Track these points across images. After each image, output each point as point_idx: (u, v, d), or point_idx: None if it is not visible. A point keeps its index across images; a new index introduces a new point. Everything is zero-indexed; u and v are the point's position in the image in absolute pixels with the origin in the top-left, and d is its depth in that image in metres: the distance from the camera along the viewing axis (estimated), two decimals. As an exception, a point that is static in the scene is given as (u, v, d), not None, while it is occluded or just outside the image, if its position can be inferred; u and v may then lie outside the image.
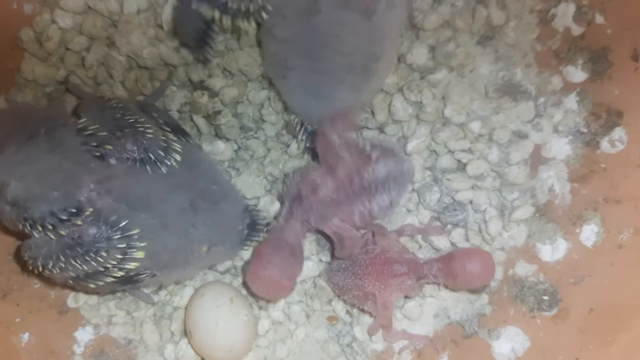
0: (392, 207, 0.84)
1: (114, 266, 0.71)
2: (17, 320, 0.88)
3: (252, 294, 0.86)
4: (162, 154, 0.74)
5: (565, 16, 0.89)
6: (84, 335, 0.90)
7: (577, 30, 0.89)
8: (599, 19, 0.87)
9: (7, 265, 0.88)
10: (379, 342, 0.89)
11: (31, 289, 0.89)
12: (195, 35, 0.79)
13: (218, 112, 0.89)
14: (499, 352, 0.87)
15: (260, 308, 0.90)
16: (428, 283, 0.86)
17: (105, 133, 0.72)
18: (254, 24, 0.78)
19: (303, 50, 0.78)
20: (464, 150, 0.89)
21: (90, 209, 0.69)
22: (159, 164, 0.73)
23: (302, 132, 0.87)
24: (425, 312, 0.91)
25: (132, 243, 0.70)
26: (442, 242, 0.89)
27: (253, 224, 0.85)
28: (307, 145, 0.88)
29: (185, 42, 0.86)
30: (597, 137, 0.88)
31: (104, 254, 0.70)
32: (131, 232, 0.70)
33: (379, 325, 0.85)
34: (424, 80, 0.91)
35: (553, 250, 0.88)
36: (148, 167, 0.73)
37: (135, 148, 0.72)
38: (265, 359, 0.90)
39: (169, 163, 0.74)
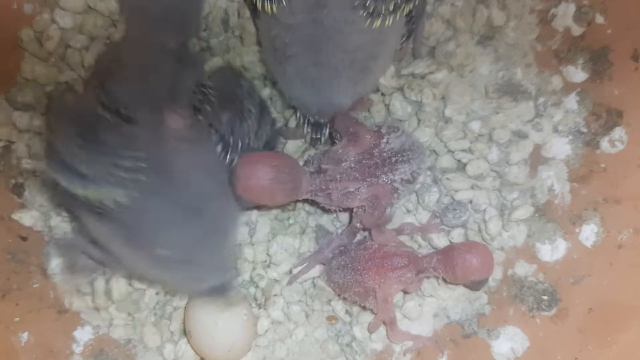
0: (414, 181, 0.84)
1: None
2: (16, 319, 0.87)
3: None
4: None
5: (565, 16, 0.89)
6: (83, 335, 0.90)
7: (577, 30, 0.89)
8: (599, 19, 0.87)
9: (6, 264, 0.88)
10: (379, 341, 0.89)
11: (30, 289, 0.89)
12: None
13: None
14: (498, 351, 0.87)
15: (259, 307, 0.90)
16: (427, 277, 0.86)
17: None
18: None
19: (305, 40, 0.78)
20: (464, 150, 0.89)
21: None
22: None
23: (305, 124, 0.87)
24: (424, 311, 0.91)
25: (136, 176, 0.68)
26: (441, 241, 0.89)
27: None
28: (313, 136, 0.88)
29: None
30: (597, 137, 0.88)
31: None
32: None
33: (381, 322, 0.85)
34: (424, 80, 0.91)
35: (552, 250, 0.88)
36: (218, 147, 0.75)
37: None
38: (265, 358, 0.90)
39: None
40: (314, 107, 0.85)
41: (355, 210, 0.84)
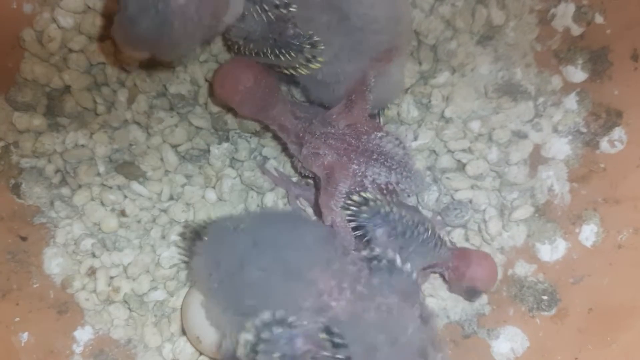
0: (389, 194, 0.80)
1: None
2: (17, 319, 0.87)
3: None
4: None
5: (565, 16, 0.89)
6: (83, 335, 0.90)
7: (576, 30, 0.89)
8: (599, 19, 0.87)
9: (6, 264, 0.88)
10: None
11: (30, 289, 0.89)
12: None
13: None
14: (498, 351, 0.87)
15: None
16: (434, 272, 0.86)
17: None
18: None
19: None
20: (463, 150, 0.89)
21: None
22: None
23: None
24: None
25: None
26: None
27: None
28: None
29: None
30: (596, 137, 0.88)
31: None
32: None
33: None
34: (427, 85, 0.91)
35: (552, 250, 0.88)
36: None
37: None
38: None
39: None
40: None
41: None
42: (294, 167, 0.90)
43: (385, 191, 0.79)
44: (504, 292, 0.90)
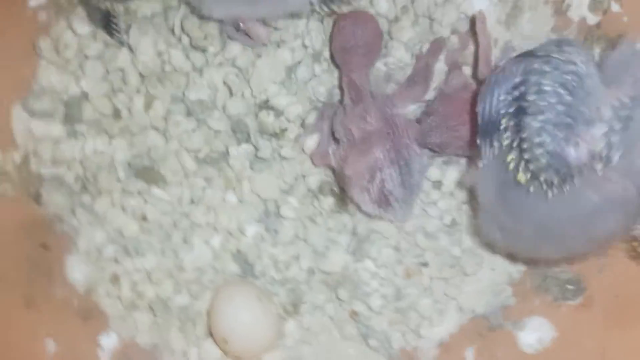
0: (379, 200, 0.82)
1: None
2: (41, 328, 0.88)
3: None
4: None
5: (580, 6, 0.89)
6: (108, 341, 0.90)
7: (592, 19, 0.89)
8: (615, 7, 0.87)
9: (29, 273, 0.89)
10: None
11: (54, 297, 0.89)
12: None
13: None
14: (525, 342, 0.87)
15: (288, 314, 0.90)
16: None
17: None
18: None
19: None
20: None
21: None
22: None
23: None
24: (448, 307, 0.91)
25: None
26: None
27: None
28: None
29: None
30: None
31: None
32: None
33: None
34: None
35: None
36: None
37: None
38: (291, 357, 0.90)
39: None
40: None
41: None
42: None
43: (382, 197, 0.81)
44: (528, 283, 0.90)
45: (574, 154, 0.62)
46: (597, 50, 0.89)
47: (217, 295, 0.86)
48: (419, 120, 0.87)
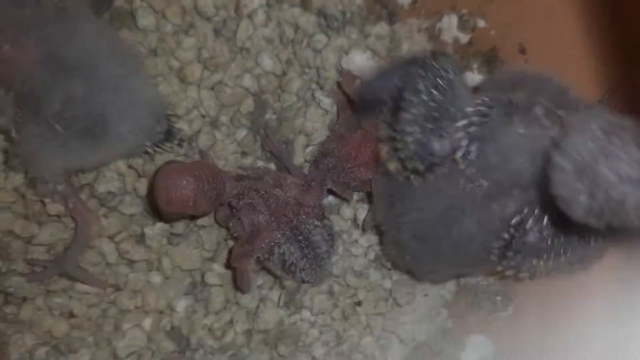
0: (284, 271, 0.86)
1: None
2: None
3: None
4: None
5: (450, 28, 0.93)
6: None
7: (464, 38, 0.93)
8: (481, 23, 0.91)
9: None
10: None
11: None
12: None
13: None
14: (468, 363, 0.87)
15: None
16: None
17: None
18: None
19: None
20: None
21: None
22: None
23: None
24: (390, 341, 0.91)
25: None
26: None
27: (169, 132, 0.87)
28: None
29: None
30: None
31: None
32: None
33: None
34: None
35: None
36: None
37: None
38: None
39: None
40: None
41: None
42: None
43: (285, 267, 0.84)
44: (462, 301, 0.91)
45: (438, 145, 0.67)
46: (475, 66, 0.92)
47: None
48: (316, 162, 0.89)
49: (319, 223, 0.86)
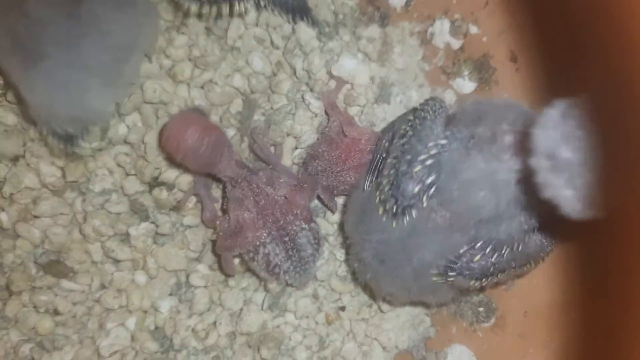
0: (268, 272, 0.85)
1: None
2: None
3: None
4: None
5: (442, 33, 0.91)
6: None
7: (456, 43, 0.91)
8: (473, 29, 0.89)
9: None
10: None
11: None
12: None
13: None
14: (448, 372, 0.87)
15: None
16: None
17: None
18: None
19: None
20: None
21: None
22: None
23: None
24: (372, 347, 0.91)
25: None
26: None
27: None
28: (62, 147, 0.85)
29: None
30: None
31: None
32: None
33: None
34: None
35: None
36: None
37: None
38: None
39: None
40: (62, 113, 0.81)
41: None
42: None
43: (269, 268, 0.83)
44: (444, 310, 0.90)
45: (410, 186, 0.67)
46: (465, 73, 0.91)
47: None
48: (305, 164, 0.89)
49: (306, 226, 0.85)
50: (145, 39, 0.88)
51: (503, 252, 0.68)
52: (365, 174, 0.79)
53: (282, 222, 0.84)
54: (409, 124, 0.72)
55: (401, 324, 0.91)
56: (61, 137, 0.83)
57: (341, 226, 0.91)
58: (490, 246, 0.68)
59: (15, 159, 0.91)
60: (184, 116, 0.84)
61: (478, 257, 0.68)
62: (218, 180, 0.88)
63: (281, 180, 0.86)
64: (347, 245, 0.86)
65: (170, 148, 0.82)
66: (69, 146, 0.84)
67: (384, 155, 0.75)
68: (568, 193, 0.54)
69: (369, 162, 0.80)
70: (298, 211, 0.85)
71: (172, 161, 0.88)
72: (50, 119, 0.82)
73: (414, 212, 0.67)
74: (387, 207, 0.69)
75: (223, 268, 0.88)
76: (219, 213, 0.89)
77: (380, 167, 0.74)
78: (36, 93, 0.80)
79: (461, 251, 0.68)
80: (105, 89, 0.83)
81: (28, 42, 0.76)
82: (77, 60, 0.79)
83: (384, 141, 0.77)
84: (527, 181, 0.59)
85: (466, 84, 0.91)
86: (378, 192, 0.71)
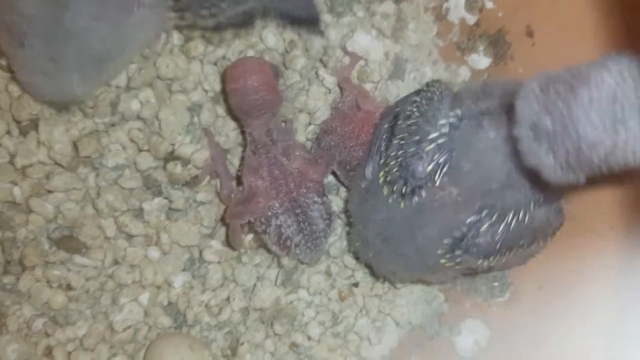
0: (279, 244, 0.85)
1: None
2: None
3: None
4: None
5: (457, 8, 0.91)
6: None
7: (471, 19, 0.91)
8: (489, 4, 0.89)
9: None
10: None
11: None
12: None
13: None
14: (462, 347, 0.87)
15: (225, 356, 0.91)
16: None
17: None
18: None
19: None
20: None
21: None
22: None
23: None
24: (385, 323, 0.91)
25: None
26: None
27: None
28: None
29: None
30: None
31: None
32: None
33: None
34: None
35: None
36: None
37: None
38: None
39: None
40: None
41: None
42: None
43: (280, 241, 0.83)
44: (458, 286, 0.90)
45: (420, 166, 0.68)
46: (481, 49, 0.90)
47: (147, 352, 0.86)
48: (318, 140, 0.89)
49: (319, 199, 0.85)
50: (137, 44, 0.89)
51: (510, 221, 0.68)
52: (366, 158, 0.79)
53: (294, 193, 0.84)
54: (414, 105, 0.72)
55: (414, 299, 0.91)
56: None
57: (345, 204, 0.91)
58: (496, 215, 0.67)
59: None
60: (264, 63, 0.85)
61: (485, 227, 0.68)
62: (242, 133, 0.88)
63: (297, 153, 0.86)
64: (350, 224, 0.86)
65: (231, 74, 0.82)
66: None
67: (385, 138, 0.75)
68: (549, 160, 0.56)
69: (369, 146, 0.80)
70: (311, 184, 0.85)
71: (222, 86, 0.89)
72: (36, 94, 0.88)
73: (423, 193, 0.68)
74: (395, 188, 0.69)
75: (230, 240, 0.87)
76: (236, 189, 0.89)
77: (383, 150, 0.74)
78: (22, 72, 0.85)
79: (467, 221, 0.68)
80: (84, 82, 0.86)
81: (14, 30, 0.80)
82: (56, 55, 0.81)
83: (384, 124, 0.77)
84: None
85: (481, 60, 0.90)
86: (383, 173, 0.71)
